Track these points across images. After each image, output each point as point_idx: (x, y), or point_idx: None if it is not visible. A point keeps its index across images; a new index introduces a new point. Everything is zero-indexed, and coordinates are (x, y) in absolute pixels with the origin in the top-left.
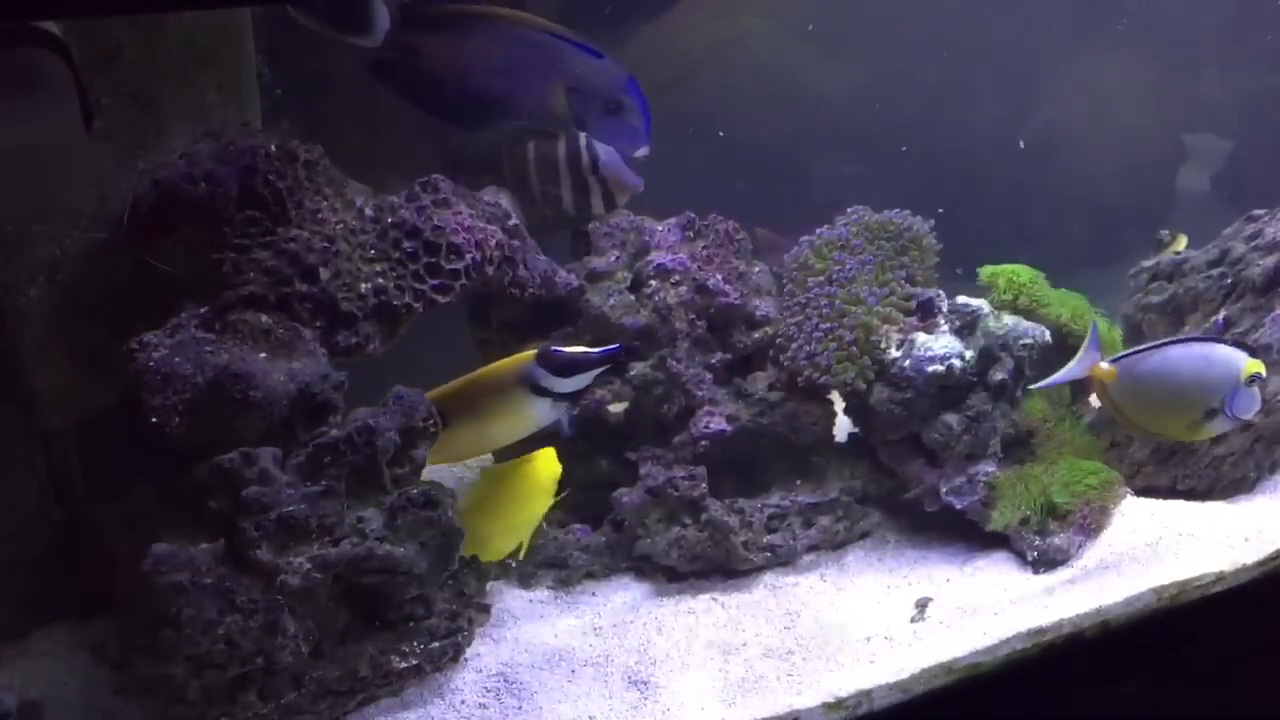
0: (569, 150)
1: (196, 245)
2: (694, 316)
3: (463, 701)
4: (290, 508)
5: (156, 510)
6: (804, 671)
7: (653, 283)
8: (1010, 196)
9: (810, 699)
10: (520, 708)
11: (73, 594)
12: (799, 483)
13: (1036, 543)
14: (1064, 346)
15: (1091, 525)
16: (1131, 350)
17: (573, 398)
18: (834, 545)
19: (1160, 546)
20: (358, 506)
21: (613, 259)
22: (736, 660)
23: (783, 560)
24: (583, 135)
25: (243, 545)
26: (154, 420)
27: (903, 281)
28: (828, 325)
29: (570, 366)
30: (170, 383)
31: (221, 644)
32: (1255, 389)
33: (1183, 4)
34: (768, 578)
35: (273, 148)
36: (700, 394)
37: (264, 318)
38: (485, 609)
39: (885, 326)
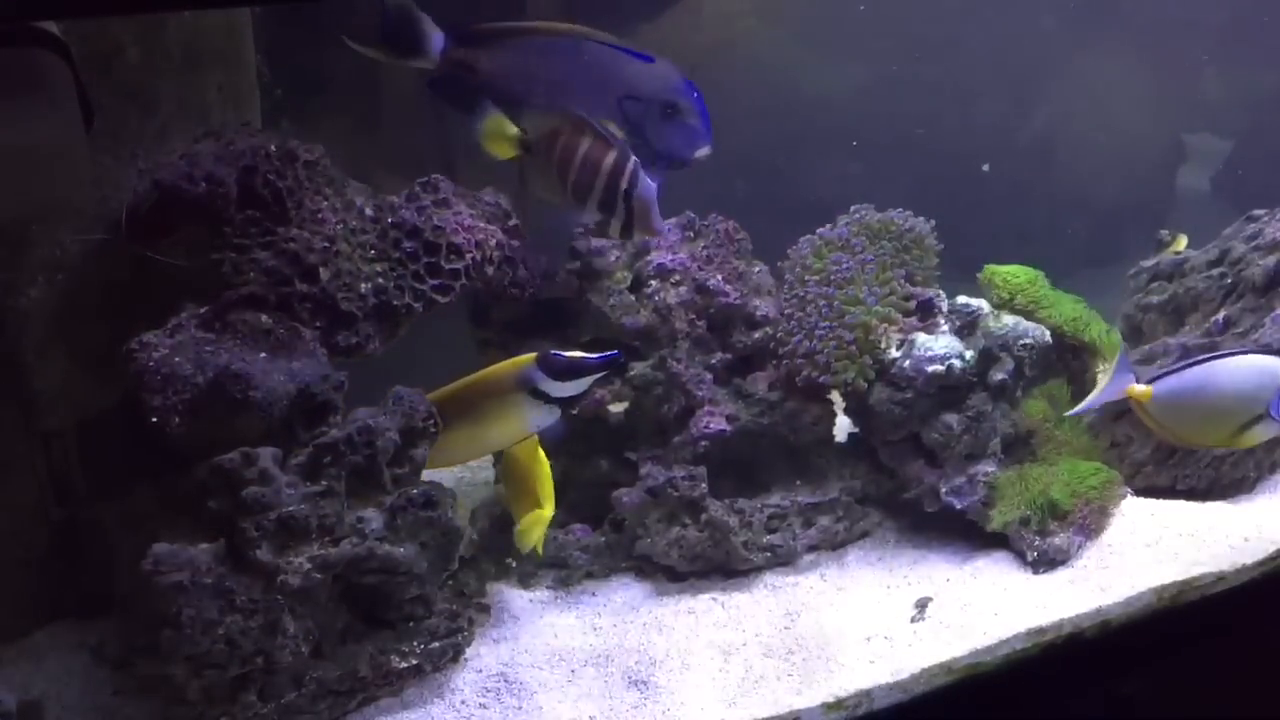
0: (614, 164)
1: (196, 245)
2: (694, 316)
3: (463, 701)
4: (290, 508)
5: (156, 510)
6: (804, 671)
7: (653, 283)
8: (1010, 196)
9: (810, 699)
10: (520, 708)
11: (73, 594)
12: (799, 483)
13: (1036, 543)
14: (1063, 347)
15: (1091, 525)
16: (1167, 369)
17: (570, 402)
18: (834, 545)
19: (1160, 546)
20: (358, 506)
21: (613, 259)
22: (736, 660)
23: (783, 560)
24: (634, 159)
25: (243, 545)
26: (154, 420)
27: (903, 281)
28: (827, 325)
29: (570, 371)
30: (170, 383)
31: (221, 644)
32: None
33: (1183, 4)
34: (768, 578)
35: (273, 148)
36: (700, 394)
37: (264, 318)
38: (485, 609)
39: (885, 326)
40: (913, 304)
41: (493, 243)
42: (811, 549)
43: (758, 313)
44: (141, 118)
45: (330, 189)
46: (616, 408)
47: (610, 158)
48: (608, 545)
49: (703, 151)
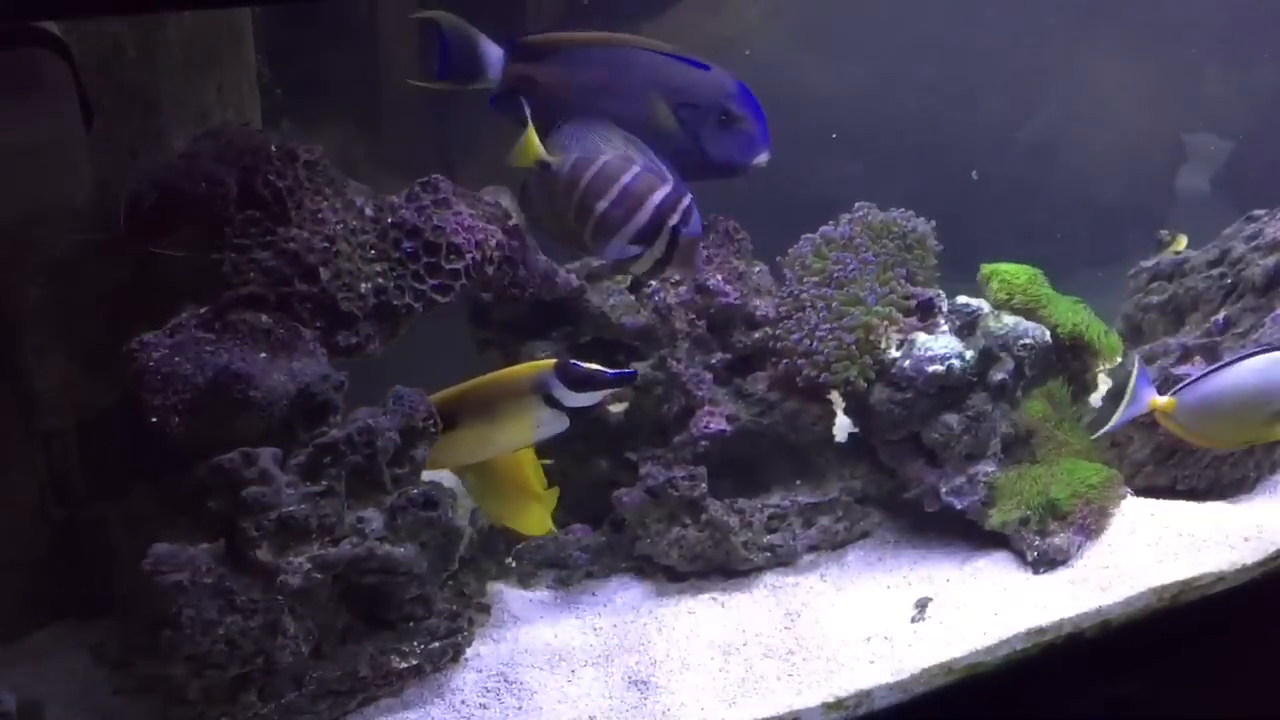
0: (666, 198)
1: (196, 245)
2: (694, 316)
3: (463, 701)
4: (290, 508)
5: (156, 510)
6: (804, 671)
7: (653, 283)
8: (1010, 196)
9: (810, 699)
10: (520, 708)
11: (73, 594)
12: (799, 483)
13: (1036, 543)
14: (1062, 348)
15: (1091, 525)
16: (1187, 381)
17: (579, 413)
18: (834, 545)
19: (1160, 546)
20: (358, 506)
21: None
22: (736, 660)
23: (783, 560)
24: (689, 197)
25: (243, 545)
26: (154, 420)
27: (903, 281)
28: (829, 326)
29: (587, 382)
30: (170, 383)
31: (221, 644)
32: None
33: (1183, 4)
34: (768, 578)
35: (273, 148)
36: (700, 394)
37: (264, 318)
38: (485, 609)
39: (885, 325)
40: (913, 304)
41: (493, 243)
42: (811, 549)
43: (758, 313)
44: (141, 118)
45: (330, 189)
46: (616, 408)
47: (662, 191)
48: (608, 545)
49: (761, 158)
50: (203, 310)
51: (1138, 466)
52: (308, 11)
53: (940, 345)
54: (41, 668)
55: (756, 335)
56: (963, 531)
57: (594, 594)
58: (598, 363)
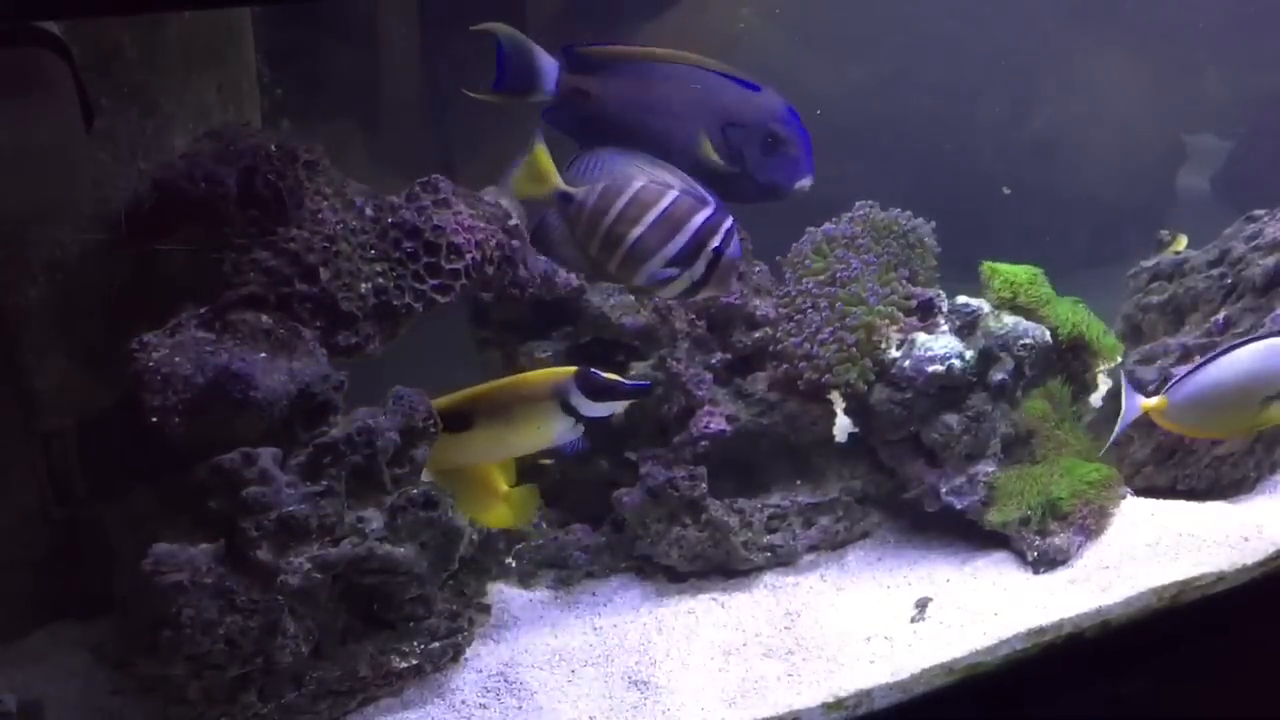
0: (707, 220)
1: (196, 245)
2: (694, 316)
3: (463, 701)
4: (290, 508)
5: (156, 510)
6: (804, 671)
7: None
8: (1010, 196)
9: (810, 699)
10: (520, 708)
11: (73, 594)
12: (799, 483)
13: (1037, 543)
14: (1061, 348)
15: (1091, 525)
16: (1176, 378)
17: (591, 422)
18: (834, 545)
19: (1160, 546)
20: (358, 506)
21: None
22: (736, 660)
23: (783, 560)
24: (731, 219)
25: (243, 545)
26: (154, 420)
27: (904, 281)
28: (830, 328)
29: (604, 391)
30: (170, 383)
31: (221, 644)
32: None
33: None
34: (768, 578)
35: (273, 148)
36: (700, 394)
37: (264, 318)
38: (485, 609)
39: (886, 325)
40: (913, 304)
41: (493, 243)
42: (811, 549)
43: (758, 313)
44: (141, 118)
45: (330, 189)
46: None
47: (703, 214)
48: (608, 545)
49: (803, 183)
50: (203, 310)
51: (1138, 466)
52: (308, 11)
53: (940, 345)
54: (41, 668)
55: (756, 335)
56: (963, 531)
57: (594, 594)
58: (597, 363)
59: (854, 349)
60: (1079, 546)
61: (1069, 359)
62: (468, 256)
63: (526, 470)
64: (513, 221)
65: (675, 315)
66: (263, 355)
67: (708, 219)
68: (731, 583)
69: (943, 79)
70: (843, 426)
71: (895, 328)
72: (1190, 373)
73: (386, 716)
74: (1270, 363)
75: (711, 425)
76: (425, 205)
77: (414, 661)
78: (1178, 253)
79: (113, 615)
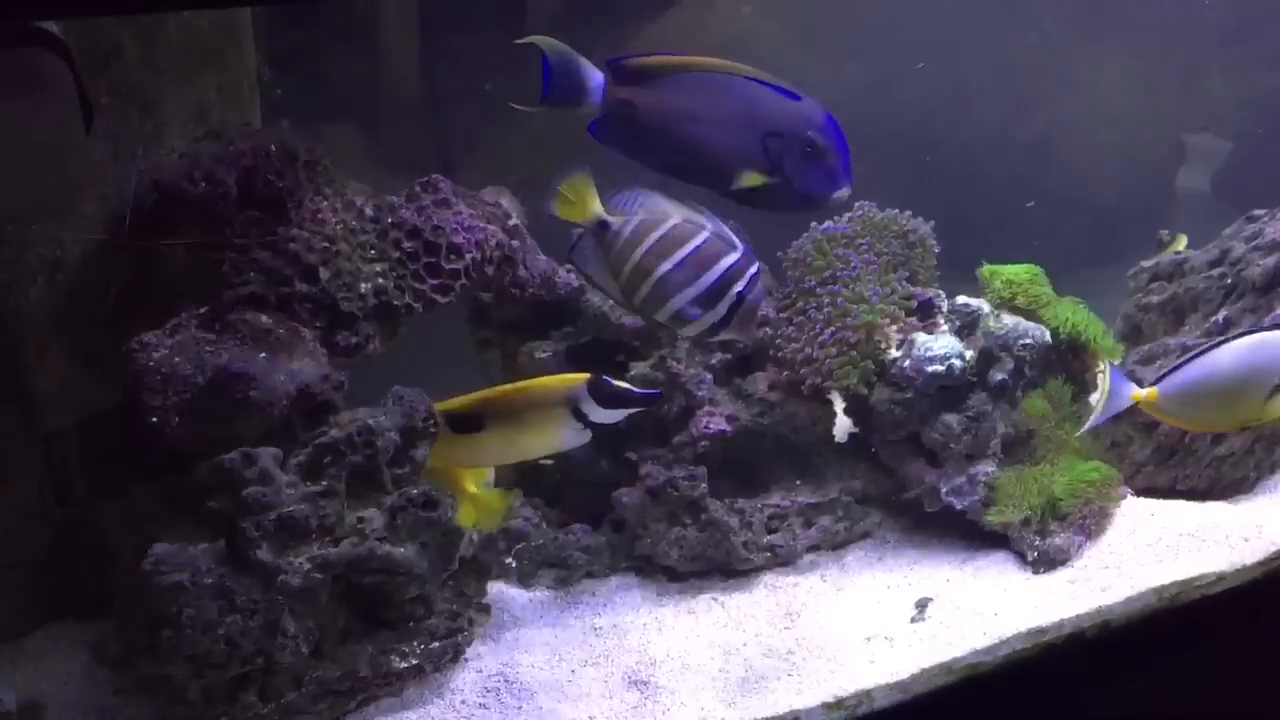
0: (734, 264)
1: (196, 245)
2: None
3: (463, 701)
4: (290, 508)
5: (156, 510)
6: (804, 671)
7: None
8: (1010, 196)
9: (810, 699)
10: (520, 708)
11: (73, 594)
12: (799, 483)
13: (1037, 543)
14: (1061, 348)
15: (1091, 525)
16: (1168, 369)
17: (599, 428)
18: (834, 545)
19: (1160, 546)
20: (358, 506)
21: None
22: (736, 660)
23: (783, 560)
24: (758, 264)
25: (243, 545)
26: (154, 420)
27: (904, 282)
28: (831, 329)
29: (615, 400)
30: (170, 383)
31: (221, 644)
32: None
33: (1184, 5)
34: (768, 578)
35: (273, 148)
36: (700, 394)
37: (264, 318)
38: (485, 609)
39: (886, 324)
40: (913, 304)
41: (493, 243)
42: (811, 549)
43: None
44: (141, 118)
45: (330, 189)
46: None
47: (730, 257)
48: (608, 545)
49: (841, 193)
50: (203, 310)
51: (1138, 466)
52: (308, 12)
53: (940, 345)
54: (41, 668)
55: (757, 335)
56: (963, 531)
57: (594, 594)
58: (597, 363)
59: (855, 350)
60: (1079, 546)
61: (1069, 359)
62: (468, 256)
63: (527, 470)
64: (513, 221)
65: None
66: (263, 355)
67: (735, 263)
68: (731, 583)
69: (943, 79)
70: (843, 426)
71: (896, 328)
72: (1182, 364)
73: (386, 716)
74: (1264, 356)
75: (712, 425)
76: (425, 205)
77: (414, 661)
78: (1178, 253)
79: (112, 615)
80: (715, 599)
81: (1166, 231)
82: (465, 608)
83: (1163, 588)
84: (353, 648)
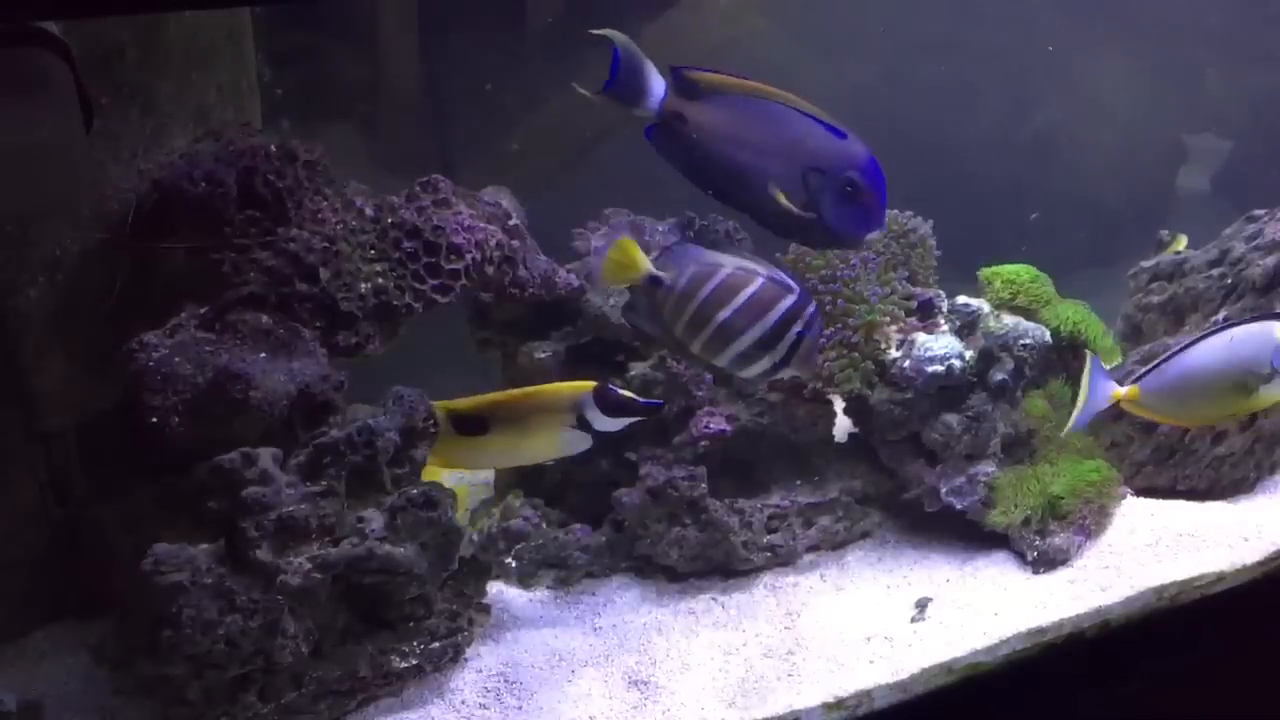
0: (792, 306)
1: (197, 245)
2: None
3: (463, 701)
4: (290, 508)
5: (156, 510)
6: (804, 671)
7: None
8: (1010, 196)
9: (810, 699)
10: (520, 708)
11: (73, 594)
12: (799, 483)
13: (1036, 543)
14: (1062, 348)
15: (1091, 525)
16: (1149, 367)
17: (600, 435)
18: (834, 545)
19: (1160, 546)
20: (358, 506)
21: None
22: (736, 660)
23: (783, 560)
24: (814, 304)
25: (243, 545)
26: (154, 420)
27: (904, 282)
28: (832, 329)
29: (620, 409)
30: (170, 383)
31: (221, 644)
32: None
33: (1184, 5)
34: (768, 578)
35: (273, 148)
36: (700, 394)
37: (264, 318)
38: (485, 609)
39: (887, 324)
40: (913, 303)
41: (493, 243)
42: (811, 549)
43: None
44: (141, 118)
45: (330, 189)
46: None
47: (788, 300)
48: (608, 545)
49: (873, 235)
50: (203, 310)
51: (1138, 466)
52: (308, 12)
53: (940, 345)
54: (41, 668)
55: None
56: (963, 531)
57: (594, 594)
58: (596, 363)
59: (855, 351)
60: (1079, 546)
61: (1069, 359)
62: (468, 256)
63: (528, 470)
64: (513, 221)
65: None
66: (263, 355)
67: (792, 305)
68: (731, 583)
69: (942, 79)
70: (843, 426)
71: (896, 328)
72: (1163, 360)
73: (386, 716)
74: (1244, 349)
75: (712, 425)
76: (425, 205)
77: (414, 661)
78: (1178, 253)
79: (112, 615)
80: (715, 599)
81: (1166, 231)
82: (465, 608)
83: (1162, 587)
84: (353, 648)
